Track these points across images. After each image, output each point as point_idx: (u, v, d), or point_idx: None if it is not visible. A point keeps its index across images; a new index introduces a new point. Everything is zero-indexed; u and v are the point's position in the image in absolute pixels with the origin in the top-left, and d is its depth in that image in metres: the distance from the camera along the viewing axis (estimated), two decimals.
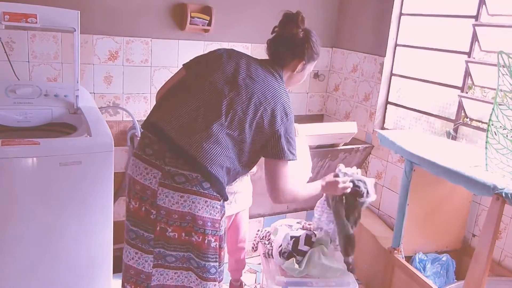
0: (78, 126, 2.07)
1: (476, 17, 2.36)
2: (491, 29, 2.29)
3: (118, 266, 2.27)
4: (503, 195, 1.64)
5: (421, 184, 2.22)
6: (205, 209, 1.56)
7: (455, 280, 2.27)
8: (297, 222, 2.47)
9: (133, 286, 1.68)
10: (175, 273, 1.64)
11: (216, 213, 1.59)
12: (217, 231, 1.60)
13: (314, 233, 2.31)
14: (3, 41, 2.32)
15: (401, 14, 2.83)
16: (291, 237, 2.26)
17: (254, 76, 1.65)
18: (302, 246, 2.19)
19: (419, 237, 2.34)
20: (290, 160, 1.64)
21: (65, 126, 2.14)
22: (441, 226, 2.36)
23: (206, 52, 1.80)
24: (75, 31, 2.10)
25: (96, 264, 2.02)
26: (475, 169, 1.86)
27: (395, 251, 2.28)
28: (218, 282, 1.66)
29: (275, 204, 1.87)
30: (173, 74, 1.79)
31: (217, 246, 1.61)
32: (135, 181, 1.59)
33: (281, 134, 1.63)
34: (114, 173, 1.98)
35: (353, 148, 2.87)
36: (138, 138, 2.60)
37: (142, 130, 1.68)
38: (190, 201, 1.53)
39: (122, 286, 1.72)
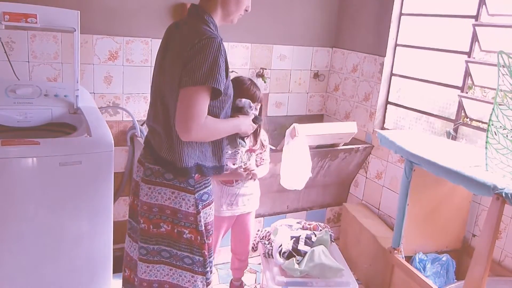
0: (78, 126, 2.07)
1: (476, 17, 2.36)
2: (491, 29, 2.29)
3: (118, 266, 2.28)
4: (503, 195, 1.64)
5: (421, 184, 2.22)
6: (172, 199, 1.61)
7: (455, 280, 2.27)
8: (297, 222, 2.48)
9: (129, 271, 1.84)
10: (147, 267, 1.69)
11: (189, 207, 1.61)
12: (191, 224, 1.62)
13: (314, 233, 2.32)
14: (3, 41, 2.32)
15: (401, 14, 2.83)
16: (291, 237, 2.27)
17: (177, 40, 1.58)
18: (302, 246, 2.19)
19: (419, 237, 2.34)
20: (196, 85, 1.45)
21: (65, 126, 2.14)
22: (441, 226, 2.36)
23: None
24: (75, 31, 2.10)
25: (96, 264, 2.02)
26: (475, 169, 1.86)
27: (395, 251, 2.28)
28: (200, 275, 1.66)
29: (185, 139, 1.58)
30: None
31: (193, 238, 1.63)
32: (133, 179, 1.79)
33: (190, 59, 1.45)
34: (114, 173, 1.98)
35: (353, 148, 2.87)
36: (138, 138, 2.61)
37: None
38: (156, 192, 1.62)
39: (123, 269, 1.87)
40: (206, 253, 1.66)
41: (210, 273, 1.72)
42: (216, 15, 1.61)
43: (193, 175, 1.61)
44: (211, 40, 1.46)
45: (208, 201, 1.67)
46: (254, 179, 2.17)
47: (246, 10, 1.68)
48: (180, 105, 1.47)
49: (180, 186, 1.60)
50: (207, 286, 1.71)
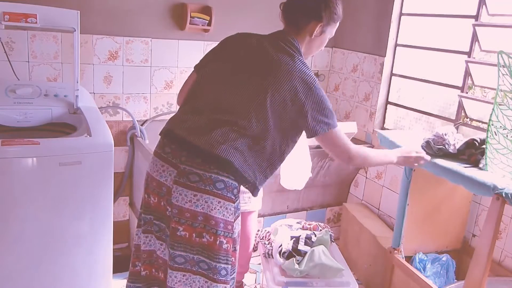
0: (78, 126, 2.07)
1: (476, 17, 2.36)
2: (491, 29, 2.29)
3: (118, 266, 2.28)
4: (503, 195, 1.64)
5: (421, 184, 2.22)
6: (218, 209, 1.53)
7: (455, 280, 2.27)
8: (297, 222, 2.48)
9: (144, 267, 1.71)
10: (183, 276, 1.59)
11: (230, 215, 1.55)
12: (229, 233, 1.57)
13: (314, 233, 2.32)
14: (3, 41, 2.32)
15: (401, 14, 2.83)
16: (291, 237, 2.27)
17: (265, 59, 1.59)
18: (302, 246, 2.19)
19: (419, 237, 2.34)
20: (331, 129, 1.61)
21: (65, 126, 2.14)
22: (441, 226, 2.36)
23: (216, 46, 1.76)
24: (75, 31, 2.10)
25: (96, 264, 2.02)
26: (475, 169, 1.86)
27: (395, 251, 2.28)
28: (229, 286, 1.62)
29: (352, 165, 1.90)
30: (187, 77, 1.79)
31: (229, 248, 1.58)
32: (152, 178, 1.62)
33: (308, 109, 1.57)
34: (114, 173, 1.98)
35: None
36: (138, 138, 2.61)
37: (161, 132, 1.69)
38: (203, 201, 1.51)
39: (132, 265, 1.75)
40: (234, 260, 1.63)
41: (234, 280, 1.69)
42: (301, 49, 1.67)
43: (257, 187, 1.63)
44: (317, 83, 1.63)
45: (240, 211, 1.64)
46: None
47: (321, 49, 1.77)
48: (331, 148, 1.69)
49: (226, 196, 1.53)
50: None
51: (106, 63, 2.60)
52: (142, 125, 2.71)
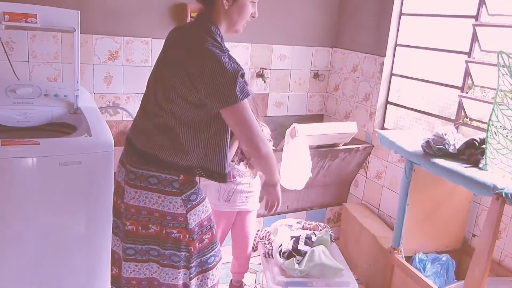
0: (78, 126, 2.06)
1: (476, 17, 2.36)
2: (491, 29, 2.29)
3: None
4: (503, 195, 1.64)
5: (421, 184, 2.22)
6: (160, 203, 1.63)
7: (455, 280, 2.27)
8: (297, 222, 2.48)
9: (117, 270, 1.84)
10: (135, 266, 1.72)
11: (178, 208, 1.63)
12: (181, 224, 1.65)
13: (314, 233, 2.32)
14: (3, 41, 2.32)
15: (401, 14, 2.83)
16: (291, 237, 2.27)
17: (178, 46, 1.60)
18: (302, 246, 2.19)
19: (419, 237, 2.34)
20: (238, 101, 1.49)
21: (65, 126, 2.13)
22: (441, 226, 2.36)
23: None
24: (75, 31, 2.10)
25: (96, 264, 2.01)
26: (475, 169, 1.86)
27: (395, 251, 2.28)
28: (183, 269, 1.69)
29: (254, 158, 1.72)
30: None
31: (181, 237, 1.66)
32: (114, 179, 1.80)
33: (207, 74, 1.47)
34: (114, 173, 1.98)
35: (353, 148, 2.87)
36: None
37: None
38: (143, 196, 1.64)
39: (110, 268, 1.88)
40: (192, 249, 1.68)
41: (196, 268, 1.73)
42: (221, 26, 1.61)
43: (195, 175, 1.66)
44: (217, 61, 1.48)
45: (197, 200, 1.68)
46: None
47: (253, 17, 1.66)
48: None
49: (165, 190, 1.62)
50: (194, 279, 1.74)
51: (106, 63, 2.60)
52: None
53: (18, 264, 1.83)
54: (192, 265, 1.71)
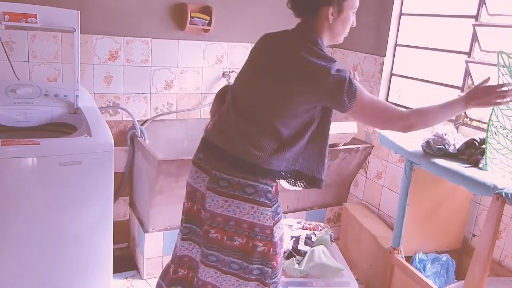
0: (78, 126, 2.07)
1: (476, 17, 2.36)
2: (491, 29, 2.29)
3: (118, 266, 2.28)
4: (503, 195, 1.64)
5: (421, 184, 2.22)
6: (252, 214, 1.56)
7: (455, 280, 2.27)
8: (297, 222, 2.48)
9: (187, 271, 1.78)
10: (215, 273, 1.65)
11: (267, 220, 1.58)
12: (267, 237, 1.59)
13: (314, 233, 2.32)
14: (3, 41, 2.32)
15: (401, 14, 2.83)
16: (291, 237, 2.27)
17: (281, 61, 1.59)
18: (302, 246, 2.20)
19: (419, 237, 2.34)
20: (357, 94, 1.50)
21: (65, 126, 2.14)
22: (441, 226, 2.36)
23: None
24: (75, 31, 2.10)
25: (96, 264, 2.02)
26: (475, 169, 1.86)
27: (395, 251, 2.28)
28: (267, 286, 1.64)
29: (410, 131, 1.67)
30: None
31: (266, 251, 1.60)
32: (188, 184, 1.70)
33: (327, 80, 1.49)
34: (114, 173, 1.98)
35: (353, 148, 2.87)
36: (138, 138, 2.61)
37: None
38: (234, 206, 1.56)
39: (174, 272, 1.79)
40: (275, 264, 1.64)
41: (277, 284, 1.69)
42: (324, 38, 1.62)
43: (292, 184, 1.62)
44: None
45: (280, 214, 1.65)
46: None
47: (352, 26, 1.67)
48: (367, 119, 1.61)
49: (259, 201, 1.56)
50: None
51: (106, 63, 2.61)
52: (142, 125, 2.71)
53: (18, 263, 1.83)
54: (274, 280, 1.65)
